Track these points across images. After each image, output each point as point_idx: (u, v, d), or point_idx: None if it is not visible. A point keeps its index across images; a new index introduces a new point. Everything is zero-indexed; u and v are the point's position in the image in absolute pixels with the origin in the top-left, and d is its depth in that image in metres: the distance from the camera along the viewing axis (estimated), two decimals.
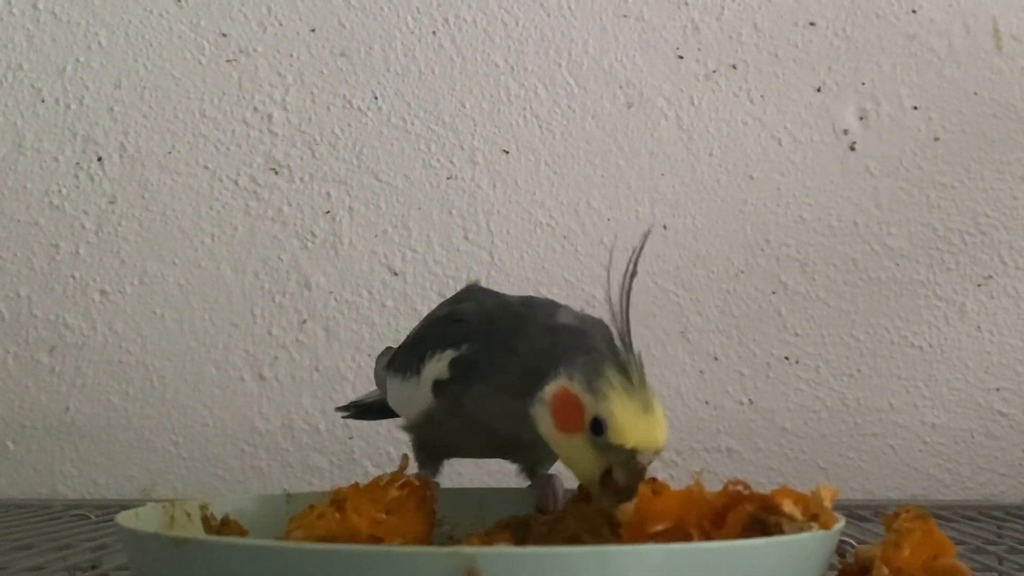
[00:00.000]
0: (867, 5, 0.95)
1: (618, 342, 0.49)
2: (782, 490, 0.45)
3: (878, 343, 0.94)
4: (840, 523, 0.46)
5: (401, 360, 0.63)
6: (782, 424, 0.94)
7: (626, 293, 0.49)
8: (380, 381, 0.70)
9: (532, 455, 0.61)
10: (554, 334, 0.53)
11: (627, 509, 0.47)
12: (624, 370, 0.48)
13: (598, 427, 0.48)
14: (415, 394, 0.59)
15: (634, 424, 0.47)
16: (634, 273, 0.49)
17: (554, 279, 0.94)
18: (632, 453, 0.47)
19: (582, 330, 0.53)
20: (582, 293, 0.93)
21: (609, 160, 0.96)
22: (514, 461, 0.63)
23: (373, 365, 0.74)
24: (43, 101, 0.97)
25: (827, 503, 0.46)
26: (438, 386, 0.57)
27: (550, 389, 0.50)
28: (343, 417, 0.77)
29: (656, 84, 0.96)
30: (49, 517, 0.82)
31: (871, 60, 0.95)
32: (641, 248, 0.50)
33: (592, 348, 0.50)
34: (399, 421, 0.63)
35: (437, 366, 0.57)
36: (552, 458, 0.60)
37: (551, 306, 0.57)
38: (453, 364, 0.56)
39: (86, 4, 0.97)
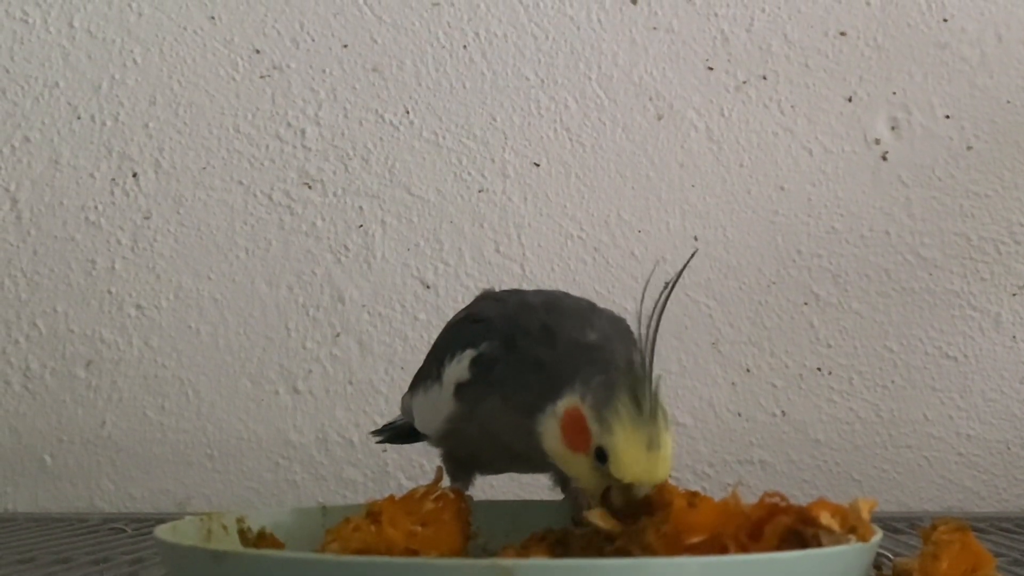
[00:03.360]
0: (898, 14, 0.95)
1: (638, 366, 0.49)
2: (820, 502, 0.45)
3: (912, 354, 0.93)
4: (878, 535, 0.46)
5: (422, 371, 0.62)
6: (815, 436, 0.93)
7: (656, 317, 0.49)
8: (406, 408, 0.69)
9: (547, 468, 0.60)
10: (576, 353, 0.52)
11: (596, 513, 0.48)
12: (636, 398, 0.48)
13: (602, 456, 0.49)
14: (438, 402, 0.59)
15: (635, 461, 0.48)
16: (667, 298, 0.49)
17: (585, 291, 0.94)
18: (630, 485, 0.48)
19: (604, 347, 0.53)
20: (613, 305, 0.92)
21: (639, 172, 0.96)
22: (540, 473, 0.63)
23: (406, 378, 0.75)
24: (79, 118, 0.98)
25: (865, 515, 0.45)
26: (460, 389, 0.57)
27: (562, 404, 0.51)
28: (377, 442, 0.77)
29: (686, 96, 0.96)
30: (86, 531, 0.83)
31: (902, 69, 0.95)
32: (680, 274, 0.50)
33: (611, 365, 0.50)
34: (426, 434, 0.63)
35: (458, 368, 0.57)
36: None
37: (577, 316, 0.56)
38: (474, 363, 0.56)
39: (121, 22, 0.98)
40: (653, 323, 0.49)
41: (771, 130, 0.95)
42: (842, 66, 0.95)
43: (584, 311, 0.56)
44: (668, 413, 0.49)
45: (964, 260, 0.94)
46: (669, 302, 0.51)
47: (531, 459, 0.57)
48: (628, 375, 0.49)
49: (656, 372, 0.49)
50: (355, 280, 0.96)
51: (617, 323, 0.57)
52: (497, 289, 0.77)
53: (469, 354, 0.56)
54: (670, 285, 0.49)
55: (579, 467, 0.50)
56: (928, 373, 0.93)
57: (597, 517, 0.48)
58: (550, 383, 0.52)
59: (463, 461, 0.61)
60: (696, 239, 0.95)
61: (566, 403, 0.51)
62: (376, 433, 0.77)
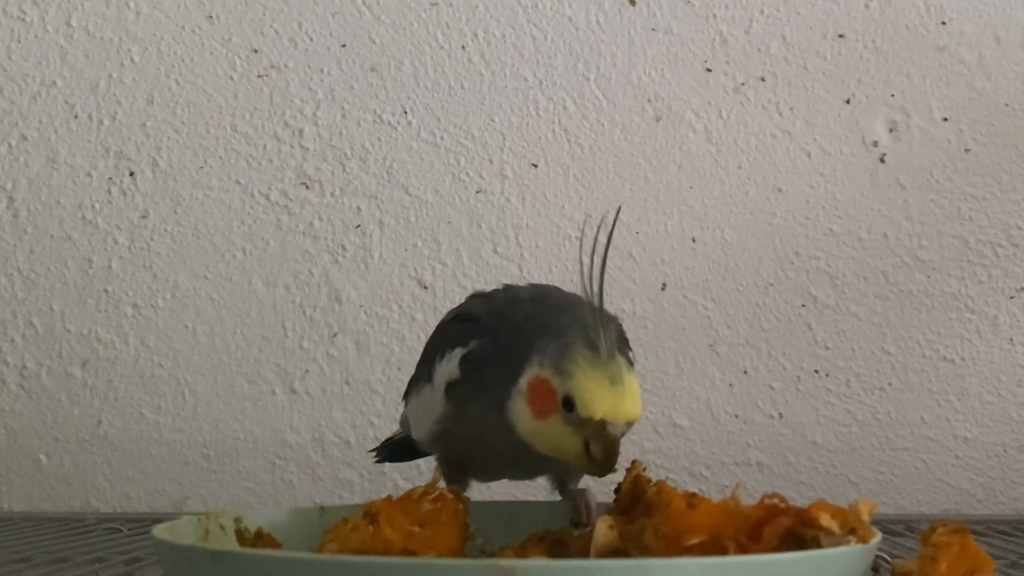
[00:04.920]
0: (896, 17, 0.95)
1: (588, 314, 0.49)
2: (819, 504, 0.45)
3: (909, 356, 0.93)
4: (878, 537, 0.46)
5: (415, 375, 0.62)
6: (812, 438, 0.93)
7: (600, 262, 0.49)
8: (404, 421, 0.69)
9: (544, 471, 0.60)
10: (541, 334, 0.52)
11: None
12: (592, 344, 0.49)
13: (569, 404, 0.49)
14: (430, 403, 0.59)
15: (601, 396, 0.48)
16: (609, 243, 0.50)
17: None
18: (602, 424, 0.48)
19: (568, 325, 0.52)
20: (610, 307, 0.93)
21: (638, 173, 0.96)
22: (533, 478, 0.62)
23: (403, 378, 0.74)
24: (76, 117, 0.98)
25: (865, 517, 0.45)
26: (451, 389, 0.56)
27: (524, 380, 0.51)
28: (376, 461, 0.77)
29: (684, 97, 0.96)
30: (82, 530, 0.82)
31: (901, 72, 0.95)
32: (616, 218, 0.50)
33: (567, 332, 0.50)
34: (421, 440, 0.62)
35: (448, 367, 0.56)
36: (580, 472, 0.60)
37: (561, 307, 0.55)
38: (464, 362, 0.56)
39: (119, 21, 0.98)
40: (597, 272, 0.49)
41: (769, 132, 0.95)
42: (840, 68, 0.95)
43: (571, 303, 0.56)
44: (629, 355, 0.50)
45: (962, 263, 0.94)
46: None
47: (523, 463, 0.56)
48: (581, 327, 0.49)
49: (610, 318, 0.50)
50: (352, 280, 0.96)
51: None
52: (480, 291, 0.76)
53: (459, 352, 0.56)
54: (611, 229, 0.50)
55: (552, 432, 0.50)
56: (925, 376, 0.93)
57: (601, 534, 0.48)
58: (515, 371, 0.52)
59: (458, 464, 0.61)
60: (694, 240, 0.95)
61: (527, 377, 0.51)
62: (374, 451, 0.76)
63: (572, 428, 0.49)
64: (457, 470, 0.61)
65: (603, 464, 0.49)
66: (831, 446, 0.93)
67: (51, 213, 0.98)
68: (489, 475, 0.65)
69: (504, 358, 0.54)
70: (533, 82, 0.97)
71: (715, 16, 0.96)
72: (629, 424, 0.49)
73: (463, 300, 0.65)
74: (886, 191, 0.94)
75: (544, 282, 0.93)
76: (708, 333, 0.94)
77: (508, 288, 0.62)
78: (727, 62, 0.96)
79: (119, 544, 0.75)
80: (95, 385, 0.96)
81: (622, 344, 0.51)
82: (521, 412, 0.51)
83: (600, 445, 0.49)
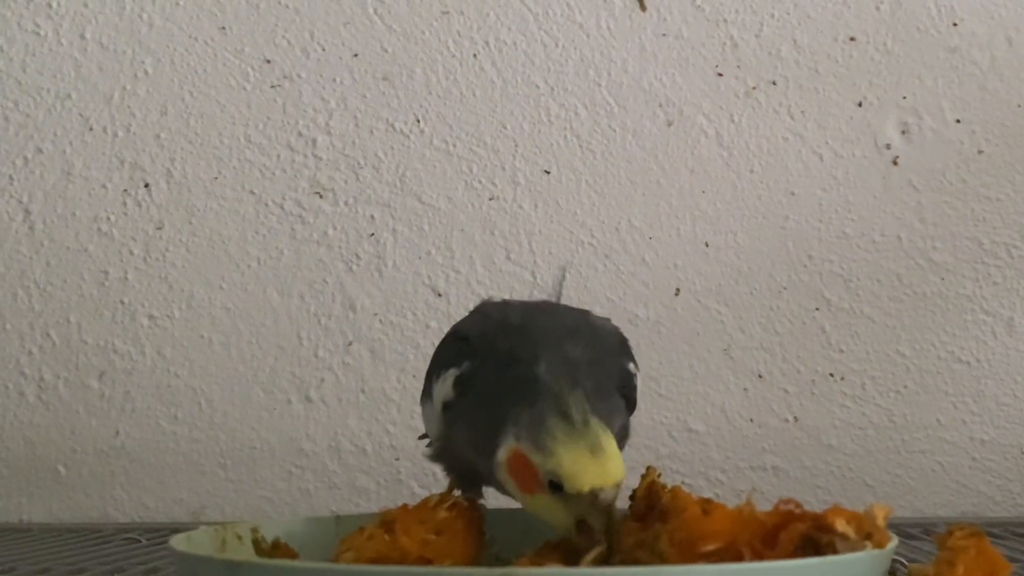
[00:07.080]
0: (907, 19, 0.95)
1: (558, 384, 0.49)
2: (835, 509, 0.45)
3: (924, 359, 0.93)
4: (894, 542, 0.45)
5: (425, 384, 0.63)
6: (828, 442, 0.93)
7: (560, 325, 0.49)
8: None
9: None
10: (517, 389, 0.51)
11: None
12: (565, 414, 0.48)
13: (554, 484, 0.48)
14: (431, 419, 0.59)
15: (584, 469, 0.47)
16: (560, 291, 0.50)
17: (596, 298, 0.94)
18: (593, 495, 0.48)
19: (542, 379, 0.51)
20: (624, 312, 0.93)
21: (650, 178, 0.96)
22: None
23: (418, 386, 0.74)
24: (91, 129, 0.99)
25: (880, 521, 0.45)
26: (447, 408, 0.57)
27: (503, 453, 0.50)
28: (428, 446, 0.76)
29: (696, 102, 0.96)
30: (100, 541, 0.83)
31: (912, 74, 0.95)
32: (562, 282, 0.51)
33: (540, 396, 0.50)
34: (426, 451, 0.62)
35: (443, 387, 0.57)
36: None
37: (546, 340, 0.54)
38: (457, 383, 0.56)
39: (132, 33, 0.99)
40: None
41: (781, 135, 0.95)
42: (852, 71, 0.95)
43: (560, 332, 0.55)
44: (601, 420, 0.49)
45: (976, 264, 0.93)
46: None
47: None
48: (552, 396, 0.49)
49: (576, 386, 0.49)
50: (367, 289, 0.96)
51: (603, 338, 0.57)
52: (509, 297, 0.75)
53: (453, 373, 0.56)
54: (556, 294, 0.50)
55: (543, 507, 0.50)
56: (941, 378, 0.93)
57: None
58: (492, 425, 0.51)
59: (466, 477, 0.61)
60: (707, 245, 0.95)
61: (505, 451, 0.50)
62: (424, 437, 0.76)
63: (563, 505, 0.49)
64: (465, 480, 0.61)
65: (605, 534, 0.48)
66: (847, 449, 0.93)
67: (67, 225, 0.98)
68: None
69: (486, 393, 0.53)
70: (544, 89, 0.97)
71: (726, 20, 0.96)
72: (618, 487, 0.48)
73: (475, 306, 0.64)
74: (899, 193, 0.94)
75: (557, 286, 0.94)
76: (722, 337, 0.94)
77: (505, 307, 0.61)
78: (738, 66, 0.96)
79: (137, 554, 0.75)
80: (112, 396, 0.97)
81: (595, 400, 0.50)
82: (507, 481, 0.51)
83: (596, 517, 0.48)
